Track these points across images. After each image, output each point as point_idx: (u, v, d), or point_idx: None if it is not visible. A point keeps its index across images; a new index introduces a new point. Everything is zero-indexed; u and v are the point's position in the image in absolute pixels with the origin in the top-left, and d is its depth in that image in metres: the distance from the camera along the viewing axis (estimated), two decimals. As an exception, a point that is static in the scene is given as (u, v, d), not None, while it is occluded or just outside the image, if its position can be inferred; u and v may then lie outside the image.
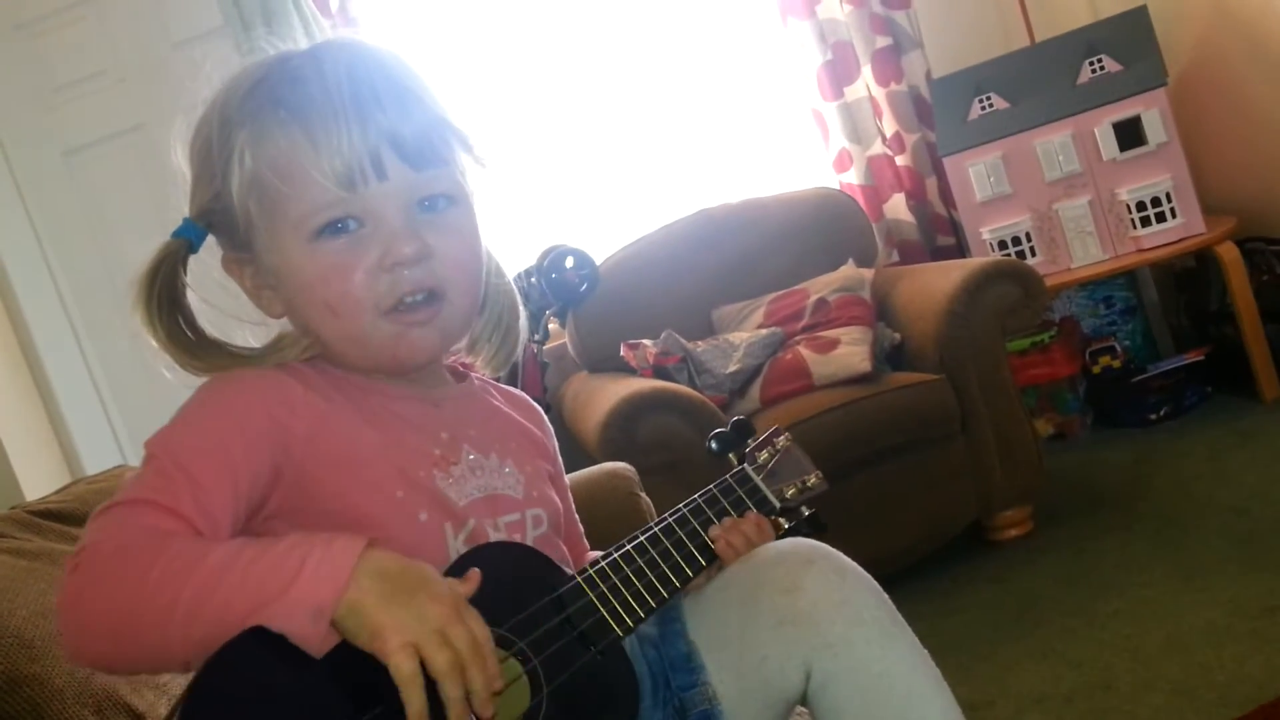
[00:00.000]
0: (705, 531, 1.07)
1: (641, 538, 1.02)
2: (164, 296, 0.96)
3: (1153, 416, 3.06)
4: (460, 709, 0.80)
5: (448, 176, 0.99)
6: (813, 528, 1.15)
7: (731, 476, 1.13)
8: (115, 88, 3.15)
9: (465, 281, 1.00)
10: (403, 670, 0.79)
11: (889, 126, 3.34)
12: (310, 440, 0.92)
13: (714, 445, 1.17)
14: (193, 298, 0.98)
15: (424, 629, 0.80)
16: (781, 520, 1.13)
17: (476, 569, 0.88)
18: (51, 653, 1.09)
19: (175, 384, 0.97)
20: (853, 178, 3.37)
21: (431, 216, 0.97)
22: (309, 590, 0.80)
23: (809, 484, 1.17)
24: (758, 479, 1.14)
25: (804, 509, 1.16)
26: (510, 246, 2.97)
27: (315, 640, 0.80)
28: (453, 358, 1.12)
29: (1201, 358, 3.09)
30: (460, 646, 0.80)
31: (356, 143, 0.92)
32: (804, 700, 1.00)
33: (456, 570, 0.90)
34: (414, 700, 0.79)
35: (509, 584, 0.92)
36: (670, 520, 1.06)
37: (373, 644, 0.80)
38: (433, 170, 0.97)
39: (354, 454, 0.94)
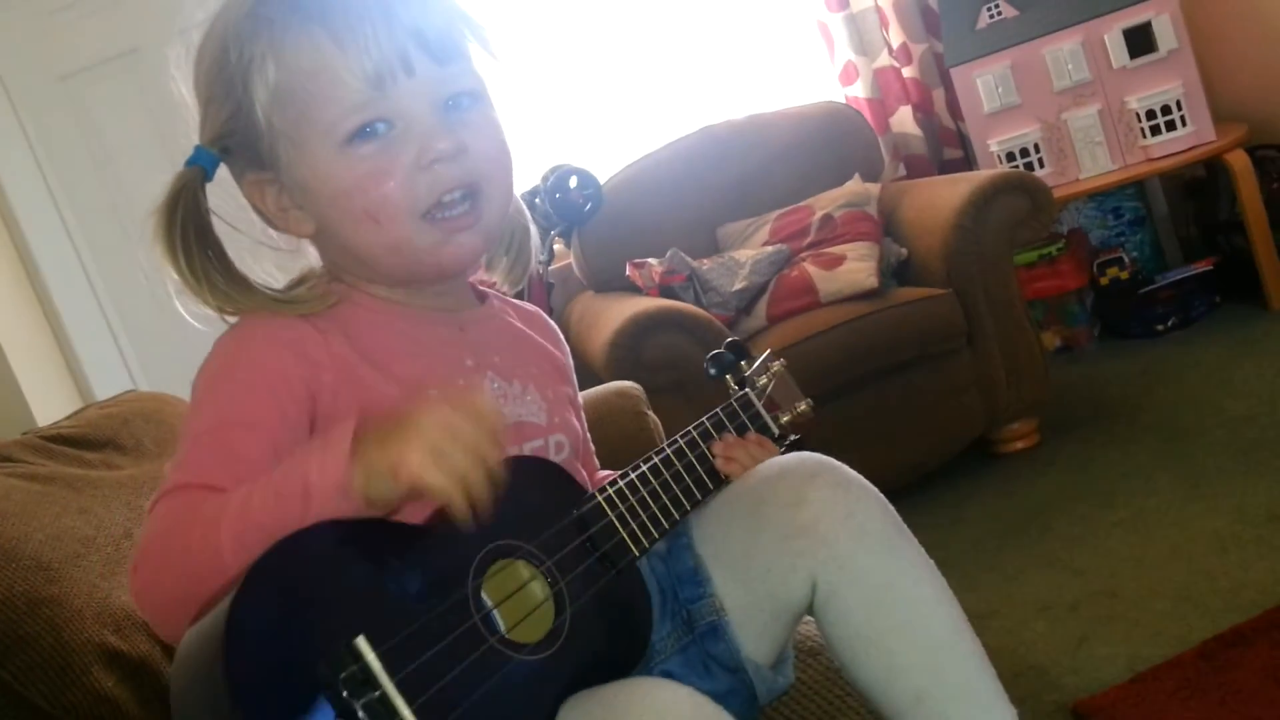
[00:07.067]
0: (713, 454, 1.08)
1: (655, 459, 1.03)
2: (188, 225, 0.93)
3: (1160, 327, 3.05)
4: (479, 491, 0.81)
5: (470, 72, 0.98)
6: None
7: (736, 401, 1.14)
8: (110, 10, 3.09)
9: (499, 176, 1.00)
10: (432, 486, 0.79)
11: (895, 37, 3.29)
12: (336, 392, 0.92)
13: (712, 370, 1.17)
14: (218, 224, 0.96)
15: (429, 442, 0.80)
16: (777, 446, 1.14)
17: None
18: (69, 574, 1.10)
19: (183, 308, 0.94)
20: (859, 91, 3.32)
21: (460, 115, 0.96)
22: (325, 475, 0.80)
23: (799, 410, 1.18)
24: (759, 404, 1.15)
25: (791, 436, 1.18)
26: (514, 166, 2.95)
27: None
28: (472, 275, 1.11)
29: (1210, 267, 3.07)
30: (467, 436, 0.81)
31: (383, 40, 0.91)
32: (811, 610, 1.01)
33: None
34: (455, 506, 0.80)
35: (536, 499, 0.93)
36: (681, 443, 1.06)
37: (397, 480, 0.80)
38: (456, 65, 0.96)
39: (377, 401, 0.92)
